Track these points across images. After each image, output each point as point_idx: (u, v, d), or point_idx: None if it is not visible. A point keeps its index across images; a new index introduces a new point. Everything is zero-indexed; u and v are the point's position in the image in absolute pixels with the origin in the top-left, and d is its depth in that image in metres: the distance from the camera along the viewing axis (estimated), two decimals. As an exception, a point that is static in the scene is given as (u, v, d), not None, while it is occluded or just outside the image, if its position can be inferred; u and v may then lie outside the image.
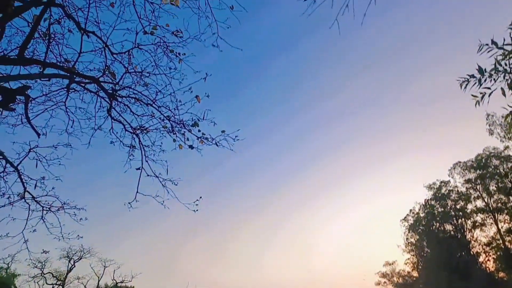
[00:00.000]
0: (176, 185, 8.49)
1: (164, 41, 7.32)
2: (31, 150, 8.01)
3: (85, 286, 40.47)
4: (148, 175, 8.48)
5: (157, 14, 6.82)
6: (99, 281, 41.23)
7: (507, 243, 40.51)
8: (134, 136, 8.67)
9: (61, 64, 6.71)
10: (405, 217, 50.59)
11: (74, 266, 38.07)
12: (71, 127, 8.27)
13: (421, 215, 47.83)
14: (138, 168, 8.44)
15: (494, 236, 43.16)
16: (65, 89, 7.62)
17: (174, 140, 8.63)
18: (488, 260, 44.37)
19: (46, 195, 8.48)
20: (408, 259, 54.49)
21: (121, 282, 42.66)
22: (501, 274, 41.82)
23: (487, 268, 44.11)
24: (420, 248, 49.34)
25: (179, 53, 7.98)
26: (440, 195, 45.34)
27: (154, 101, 8.24)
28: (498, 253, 40.16)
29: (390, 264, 62.34)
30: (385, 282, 63.44)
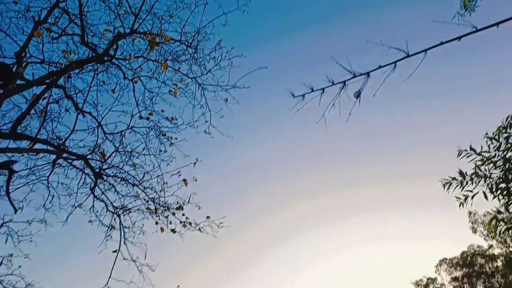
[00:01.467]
0: (153, 271, 7.99)
1: (158, 125, 7.56)
2: (4, 224, 7.59)
3: None
4: (124, 259, 8.01)
5: (154, 101, 7.17)
6: None
7: None
8: (115, 216, 8.37)
9: (52, 142, 6.72)
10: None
11: None
12: (50, 202, 7.99)
13: (409, 314, 45.10)
14: (115, 251, 7.98)
15: None
16: (51, 164, 7.52)
17: (157, 223, 8.36)
18: None
19: (10, 274, 7.86)
20: None
21: None
22: None
23: None
24: None
25: (171, 137, 8.18)
26: (427, 292, 43.42)
27: (140, 182, 8.16)
28: None
29: None
30: None
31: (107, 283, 7.38)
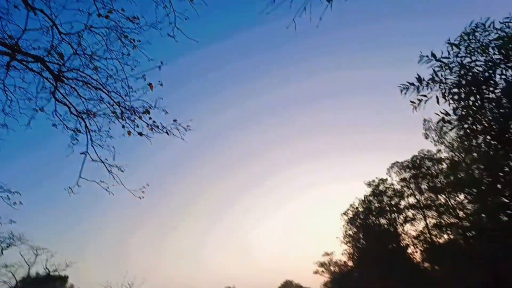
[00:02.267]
0: (122, 171, 8.29)
1: (119, 25, 7.06)
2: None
3: (13, 275, 37.76)
4: (93, 160, 8.18)
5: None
6: (29, 269, 38.68)
7: (432, 237, 44.50)
8: (80, 120, 8.29)
9: (2, 40, 6.19)
10: (346, 212, 53.48)
11: (2, 254, 35.30)
12: (9, 107, 7.72)
13: (360, 209, 50.86)
14: (82, 153, 8.09)
15: (422, 230, 47.17)
16: (5, 67, 7.06)
17: (123, 127, 8.40)
18: (416, 251, 48.49)
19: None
20: (345, 250, 57.85)
21: (54, 271, 40.47)
22: (426, 264, 45.88)
23: (414, 259, 48.19)
24: (357, 240, 52.56)
25: (133, 39, 7.74)
26: (378, 192, 48.54)
27: (104, 85, 7.93)
28: (425, 245, 43.98)
29: (328, 255, 65.79)
30: (322, 271, 66.88)
31: (77, 182, 7.61)
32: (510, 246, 27.40)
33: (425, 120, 33.47)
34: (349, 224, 53.28)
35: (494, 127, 6.77)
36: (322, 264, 67.10)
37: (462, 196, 34.66)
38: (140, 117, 8.44)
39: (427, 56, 7.99)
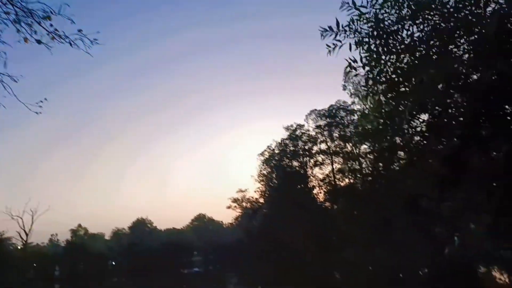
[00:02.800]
0: (16, 81, 7.34)
1: None
2: None
3: None
4: (-23, 67, 7.02)
5: None
6: None
7: (336, 180, 49.52)
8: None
9: None
10: (262, 152, 56.08)
11: None
12: None
13: (276, 151, 53.74)
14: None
15: (328, 174, 52.03)
16: None
17: (18, 31, 7.27)
18: (320, 192, 53.83)
19: None
20: (258, 188, 61.65)
21: None
22: (327, 204, 51.44)
23: (318, 199, 53.63)
24: (270, 179, 56.16)
25: None
26: (294, 136, 51.42)
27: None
28: (328, 187, 48.93)
29: (242, 191, 69.49)
30: (235, 206, 70.95)
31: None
32: (398, 191, 31.89)
33: (347, 73, 35.18)
34: (264, 164, 56.26)
35: (394, 78, 7.27)
36: (235, 200, 70.84)
37: (365, 146, 38.58)
38: (39, 23, 7.31)
39: (347, 3, 8.08)
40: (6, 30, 7.34)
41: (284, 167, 52.48)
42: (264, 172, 56.73)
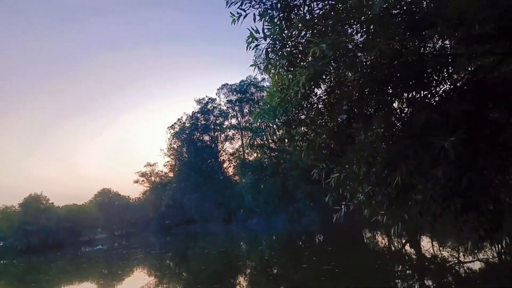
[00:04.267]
0: None
1: None
2: None
3: None
4: None
5: None
6: None
7: (245, 155, 50.78)
8: None
9: None
10: (172, 125, 54.30)
11: None
12: None
13: (187, 125, 52.52)
14: None
15: (238, 148, 52.95)
16: None
17: None
18: (230, 166, 54.74)
19: None
20: (168, 162, 60.00)
21: None
22: (236, 178, 52.73)
23: (227, 173, 54.55)
24: (180, 154, 54.99)
25: None
26: (206, 110, 50.73)
27: None
28: (238, 161, 49.94)
29: (150, 165, 67.06)
30: (143, 180, 68.27)
31: None
32: (299, 164, 34.03)
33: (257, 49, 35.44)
34: (174, 138, 54.71)
35: (294, 53, 7.29)
36: (143, 174, 68.11)
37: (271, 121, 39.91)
38: None
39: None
40: None
41: (195, 141, 51.77)
42: (174, 146, 55.28)
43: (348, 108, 6.49)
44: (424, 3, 6.38)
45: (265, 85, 44.15)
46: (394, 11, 6.21)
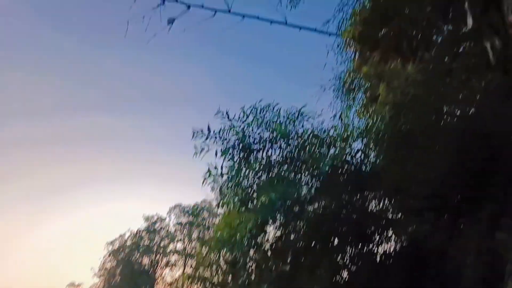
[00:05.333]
0: None
1: None
2: None
3: None
4: None
5: None
6: None
7: (185, 287, 46.22)
8: None
9: None
10: (113, 241, 49.97)
11: None
12: None
13: (128, 243, 48.58)
14: None
15: (177, 278, 48.46)
16: None
17: None
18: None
19: None
20: (96, 284, 52.85)
21: None
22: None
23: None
24: (112, 275, 49.11)
25: None
26: (152, 229, 48.03)
27: None
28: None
29: (74, 286, 58.35)
30: (60, 303, 58.30)
31: None
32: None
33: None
34: (111, 255, 49.63)
35: (248, 194, 7.52)
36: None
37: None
38: None
39: (222, 112, 8.66)
40: None
41: (132, 262, 47.14)
42: (108, 265, 49.72)
43: (292, 259, 6.43)
44: (368, 165, 7.14)
45: (218, 212, 43.65)
46: (340, 170, 6.85)
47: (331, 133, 7.11)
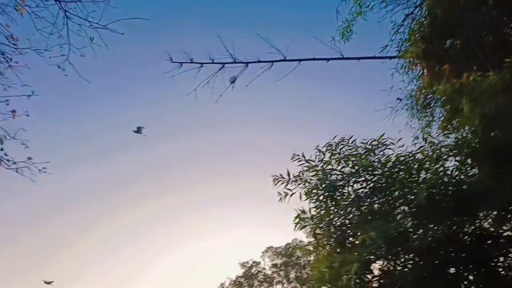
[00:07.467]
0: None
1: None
2: None
3: None
4: None
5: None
6: None
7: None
8: None
9: None
10: (217, 290, 51.38)
11: None
12: None
13: (229, 291, 49.53)
14: None
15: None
16: None
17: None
18: None
19: None
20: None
21: None
22: None
23: None
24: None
25: (10, 59, 6.92)
26: (249, 274, 48.42)
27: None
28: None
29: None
30: None
31: None
32: None
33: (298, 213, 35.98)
34: (216, 304, 50.88)
35: (339, 232, 7.36)
36: None
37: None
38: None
39: (298, 155, 8.76)
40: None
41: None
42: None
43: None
44: (471, 184, 6.51)
45: (311, 249, 42.55)
46: (440, 193, 6.35)
47: (418, 156, 6.73)
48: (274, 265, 46.88)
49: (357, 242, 6.28)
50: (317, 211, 8.05)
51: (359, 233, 5.72)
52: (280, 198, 8.61)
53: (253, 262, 49.16)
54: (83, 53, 7.12)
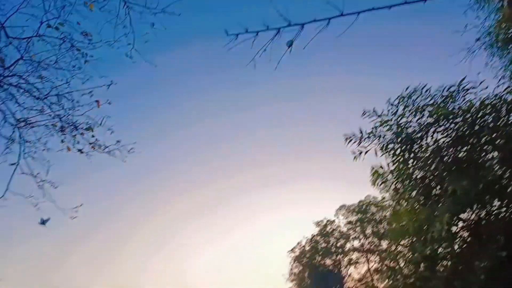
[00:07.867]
0: (55, 188, 7.85)
1: (70, 38, 6.93)
2: None
3: None
4: (23, 173, 7.68)
5: (66, 10, 6.46)
6: None
7: (374, 281, 45.43)
8: (16, 128, 7.84)
9: None
10: (293, 249, 53.38)
11: None
12: None
13: (307, 248, 51.05)
14: (13, 164, 7.59)
15: (364, 273, 48.06)
16: None
17: (62, 141, 8.06)
18: (358, 295, 48.99)
19: None
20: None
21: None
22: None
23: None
24: (301, 279, 52.26)
25: (86, 54, 7.60)
26: (325, 232, 49.27)
27: (46, 96, 7.63)
28: (366, 289, 44.73)
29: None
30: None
31: (4, 194, 7.08)
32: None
33: (373, 168, 35.11)
34: (295, 262, 53.09)
35: (422, 184, 7.23)
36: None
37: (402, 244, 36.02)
38: (82, 134, 8.14)
39: (369, 112, 8.56)
40: (51, 139, 8.15)
41: (316, 265, 49.24)
42: (295, 270, 53.23)
43: (503, 244, 5.73)
44: None
45: (386, 204, 41.72)
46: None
47: (506, 98, 6.16)
48: (349, 222, 47.02)
49: (444, 193, 6.12)
50: (395, 165, 7.91)
51: (446, 184, 5.54)
52: (355, 157, 8.59)
53: (328, 221, 49.81)
54: (146, 40, 7.57)
